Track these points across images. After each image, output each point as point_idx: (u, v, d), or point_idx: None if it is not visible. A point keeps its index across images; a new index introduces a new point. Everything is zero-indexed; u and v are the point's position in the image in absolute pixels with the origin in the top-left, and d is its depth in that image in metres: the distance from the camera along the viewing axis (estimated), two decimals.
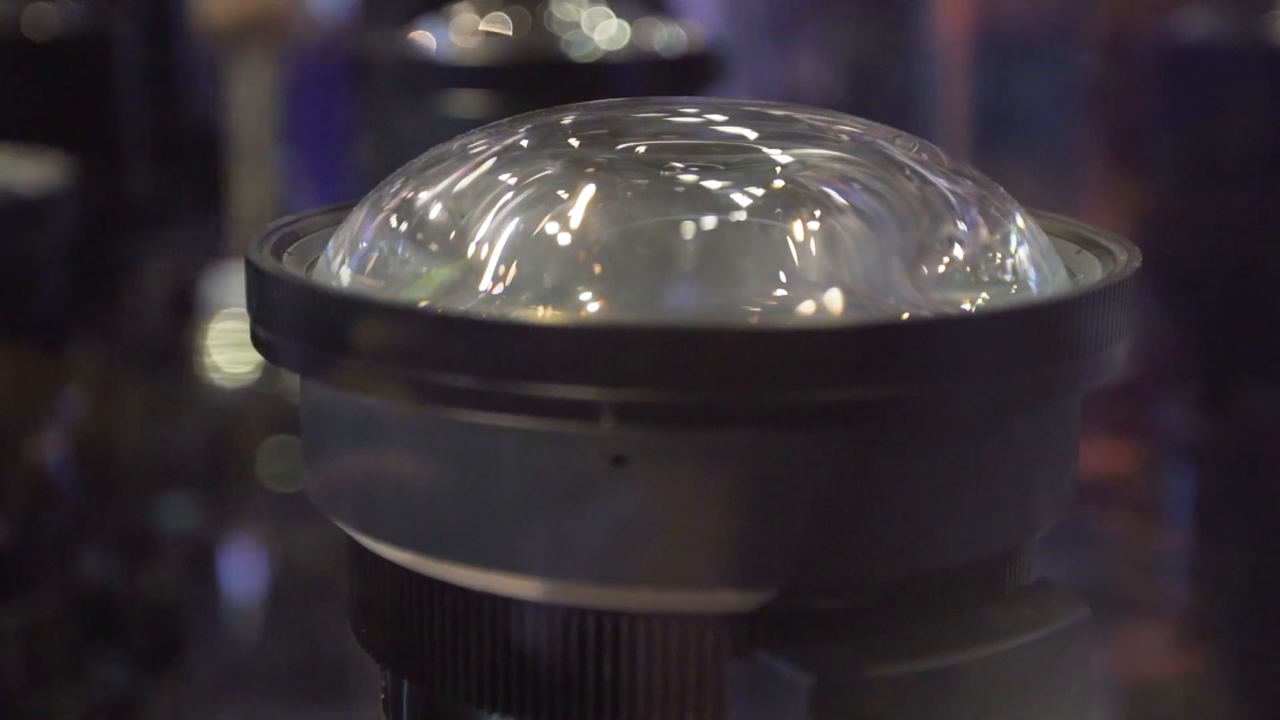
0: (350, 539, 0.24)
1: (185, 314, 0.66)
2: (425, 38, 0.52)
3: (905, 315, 0.21)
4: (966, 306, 0.22)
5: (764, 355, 0.19)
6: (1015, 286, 0.23)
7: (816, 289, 0.22)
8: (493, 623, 0.22)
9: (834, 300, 0.22)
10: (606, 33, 0.52)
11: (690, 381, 0.19)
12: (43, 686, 0.48)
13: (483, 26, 0.53)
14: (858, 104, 0.78)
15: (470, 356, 0.20)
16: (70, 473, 0.51)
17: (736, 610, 0.21)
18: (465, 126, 0.51)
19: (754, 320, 0.21)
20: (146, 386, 0.62)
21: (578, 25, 0.53)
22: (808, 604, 0.21)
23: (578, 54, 0.51)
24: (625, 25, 0.52)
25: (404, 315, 0.20)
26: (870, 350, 0.20)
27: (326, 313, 0.21)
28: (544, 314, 0.21)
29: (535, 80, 0.50)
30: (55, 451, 0.50)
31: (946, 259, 0.23)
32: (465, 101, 0.51)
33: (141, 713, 0.57)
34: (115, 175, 0.60)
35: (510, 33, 0.53)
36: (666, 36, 0.52)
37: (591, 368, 0.19)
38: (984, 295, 0.23)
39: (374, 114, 0.55)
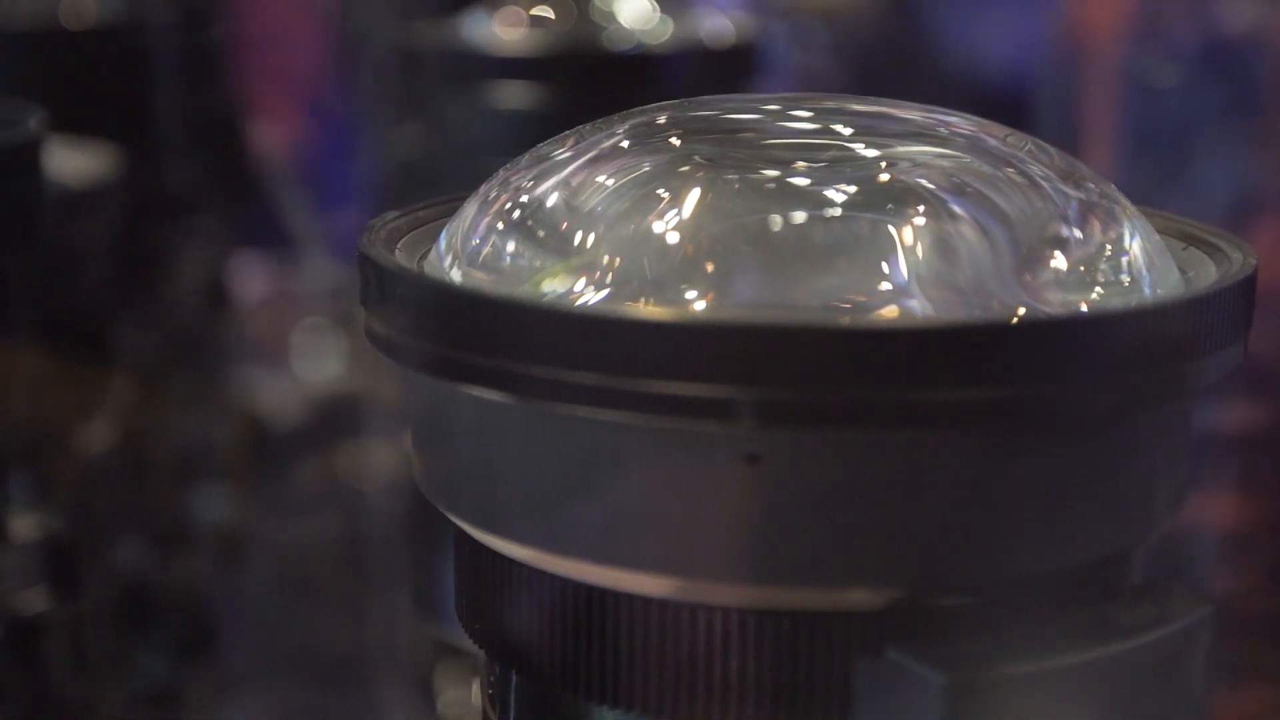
0: (460, 534, 0.24)
1: (220, 303, 0.66)
2: (472, 29, 0.52)
3: (1020, 315, 0.22)
4: (1082, 307, 0.22)
5: (899, 355, 0.20)
6: (1129, 286, 0.23)
7: (929, 289, 0.22)
8: (617, 619, 0.22)
9: (947, 301, 0.22)
10: (652, 24, 0.52)
11: (826, 381, 0.19)
12: (87, 677, 0.48)
13: (529, 18, 0.53)
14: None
15: (607, 355, 0.20)
16: (114, 463, 0.51)
17: (867, 608, 0.21)
18: (511, 118, 0.51)
19: (890, 320, 0.21)
20: (182, 376, 0.62)
21: (623, 17, 0.53)
22: (938, 602, 0.21)
23: (624, 45, 0.51)
24: (670, 17, 0.52)
25: (542, 315, 0.20)
26: (1004, 350, 0.20)
27: (463, 312, 0.21)
28: (682, 313, 0.21)
29: (582, 72, 0.50)
30: (102, 442, 0.50)
31: (1058, 259, 0.23)
32: (511, 93, 0.51)
33: (182, 702, 0.57)
34: (151, 165, 0.60)
35: (557, 24, 0.53)
36: (712, 28, 0.52)
37: (729, 367, 0.19)
38: (1096, 295, 0.23)
39: (419, 105, 0.55)
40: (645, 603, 0.21)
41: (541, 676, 0.22)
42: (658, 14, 0.53)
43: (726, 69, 0.51)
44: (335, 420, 0.79)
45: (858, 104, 0.26)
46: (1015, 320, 0.21)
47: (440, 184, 0.55)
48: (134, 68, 0.61)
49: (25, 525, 0.40)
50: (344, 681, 0.71)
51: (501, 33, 0.52)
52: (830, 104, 0.26)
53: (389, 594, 0.73)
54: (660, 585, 0.21)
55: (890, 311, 0.22)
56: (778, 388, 0.19)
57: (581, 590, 0.22)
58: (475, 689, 0.50)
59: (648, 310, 0.21)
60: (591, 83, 0.50)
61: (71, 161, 0.49)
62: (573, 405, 0.20)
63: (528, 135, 0.50)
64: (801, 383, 0.19)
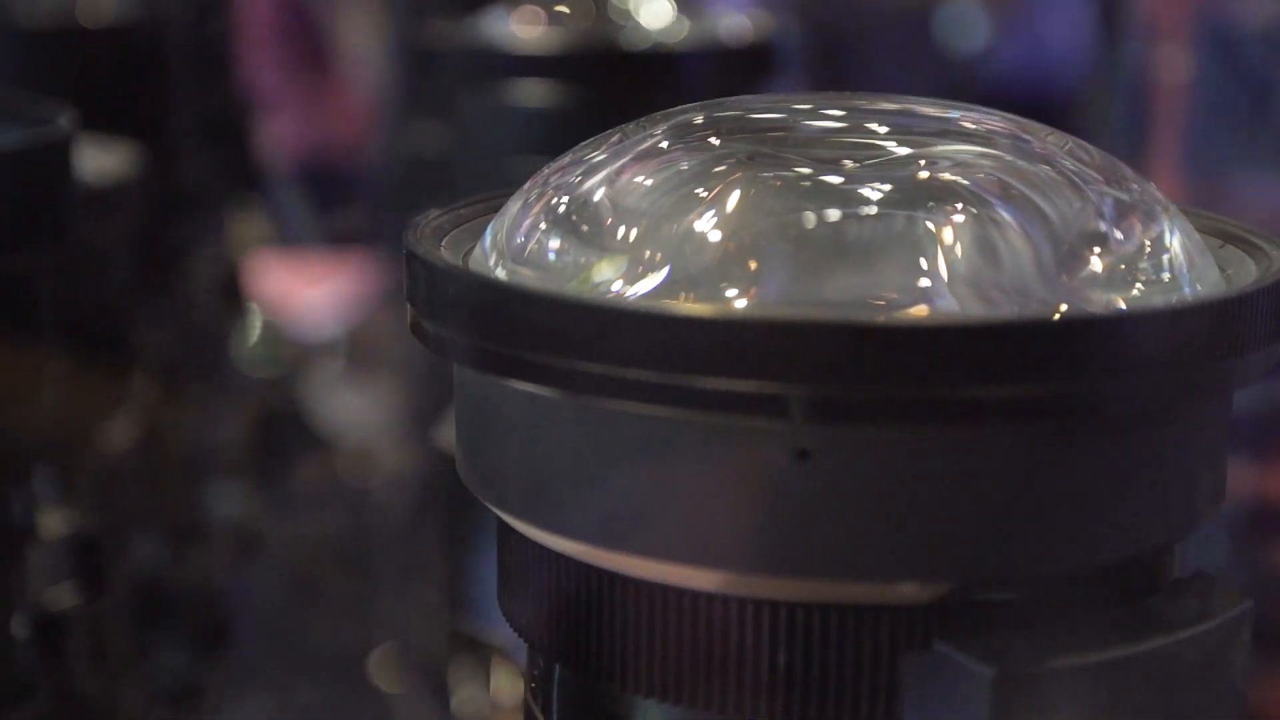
0: (505, 529, 0.24)
1: (235, 301, 0.66)
2: (490, 27, 0.53)
3: (1065, 313, 0.22)
4: (1124, 305, 0.23)
5: (949, 352, 0.20)
6: (1170, 284, 0.23)
7: (969, 287, 0.22)
8: (666, 613, 0.22)
9: (987, 299, 0.22)
10: (672, 23, 0.53)
11: (876, 377, 0.20)
12: (109, 672, 0.48)
13: (547, 16, 0.53)
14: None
15: (662, 351, 0.20)
16: (135, 461, 0.51)
17: (914, 602, 0.21)
18: (531, 116, 0.51)
19: (940, 318, 0.21)
20: (197, 373, 0.62)
21: (641, 15, 0.53)
22: (984, 596, 0.21)
23: (642, 44, 0.52)
24: (689, 15, 0.53)
25: (598, 312, 0.20)
26: (1051, 347, 0.20)
27: (519, 309, 0.21)
28: (736, 310, 0.21)
29: (601, 71, 0.50)
30: (124, 439, 0.50)
31: (1098, 257, 0.23)
32: (529, 91, 0.51)
33: (200, 697, 0.57)
34: (166, 162, 0.60)
35: (575, 23, 0.53)
36: (730, 27, 0.52)
37: (782, 363, 0.20)
38: (1137, 292, 0.23)
39: (439, 103, 0.55)
40: (694, 597, 0.22)
41: (587, 670, 0.23)
42: (675, 13, 0.53)
43: (745, 67, 0.51)
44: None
45: (893, 103, 0.26)
46: (1062, 318, 0.21)
47: (458, 182, 0.55)
48: (149, 65, 0.61)
49: (53, 522, 0.40)
50: (357, 677, 0.71)
51: (520, 31, 0.52)
52: (865, 103, 0.26)
53: (405, 589, 0.73)
54: (709, 579, 0.21)
55: (931, 310, 0.22)
56: (829, 384, 0.20)
57: (629, 584, 0.22)
58: (494, 683, 0.50)
59: (702, 307, 0.21)
60: (610, 81, 0.51)
61: (92, 159, 0.49)
62: (625, 401, 0.20)
63: (545, 134, 0.51)
64: (852, 379, 0.20)
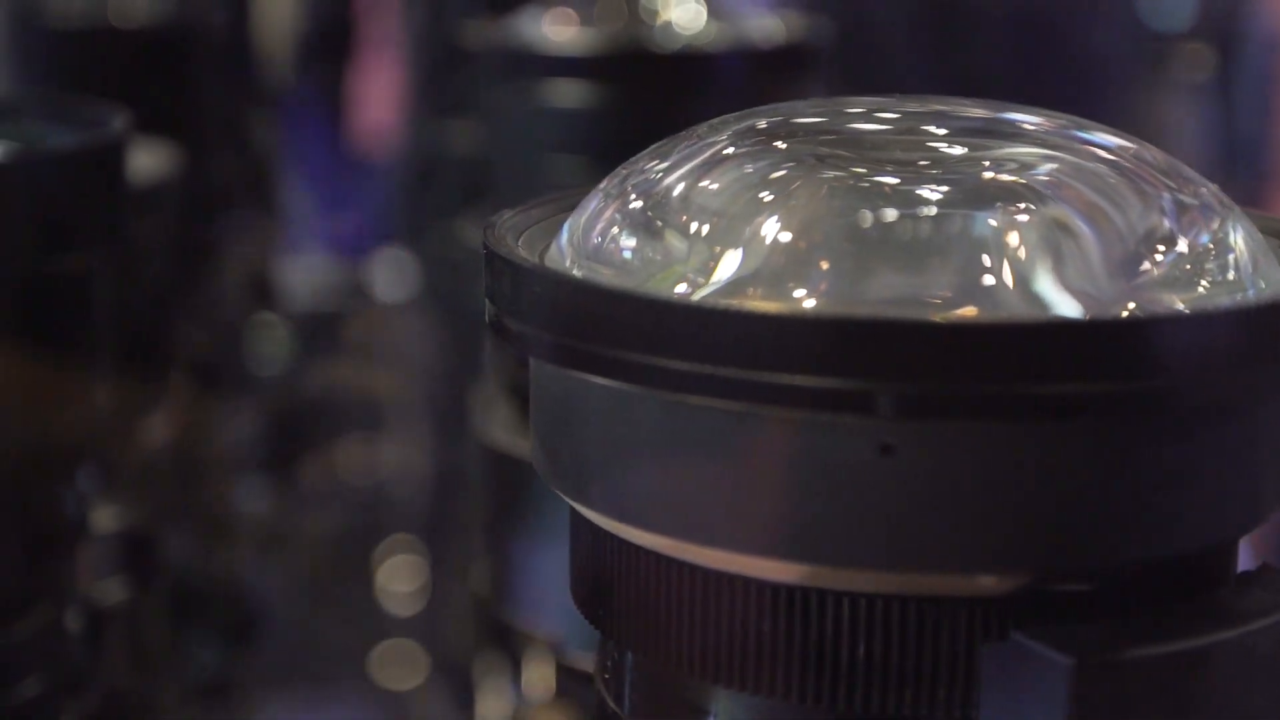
0: (583, 523, 0.24)
1: (262, 300, 0.66)
2: (525, 28, 0.53)
3: (1142, 312, 0.22)
4: (1189, 304, 0.23)
5: (1028, 349, 0.20)
6: (1234, 283, 0.24)
7: (1037, 287, 0.23)
8: (746, 605, 0.22)
9: (1055, 299, 0.22)
10: (703, 24, 0.53)
11: (961, 374, 0.20)
12: (150, 667, 0.49)
13: (581, 17, 0.53)
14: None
15: (749, 350, 0.20)
16: (172, 457, 0.52)
17: (993, 593, 0.21)
18: (565, 116, 0.52)
19: (1019, 317, 0.22)
20: (225, 371, 0.63)
21: (674, 16, 0.53)
22: (1061, 587, 0.21)
23: (675, 45, 0.52)
24: (723, 16, 0.53)
25: (687, 312, 0.21)
26: (1129, 345, 0.21)
27: (612, 310, 0.21)
28: (823, 310, 0.22)
29: (635, 71, 0.51)
30: (161, 437, 0.51)
31: (1163, 256, 0.23)
32: (563, 91, 0.51)
33: (233, 693, 0.58)
34: (196, 162, 0.61)
35: (609, 23, 0.53)
36: (763, 27, 0.53)
37: (868, 361, 0.20)
38: (1202, 291, 0.23)
39: (473, 102, 0.55)
40: (775, 589, 0.22)
41: (667, 661, 0.23)
42: (708, 14, 0.53)
43: (778, 68, 0.51)
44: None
45: (958, 106, 0.26)
46: (1140, 318, 0.22)
47: (492, 180, 0.56)
48: (180, 65, 0.62)
49: (103, 517, 0.41)
50: (379, 673, 0.72)
51: (554, 32, 0.53)
52: (931, 106, 0.26)
53: (430, 583, 0.74)
54: (791, 572, 0.22)
55: (1000, 310, 0.22)
56: (916, 382, 0.20)
57: (710, 576, 0.22)
58: (526, 677, 0.51)
59: (790, 307, 0.22)
60: (641, 82, 0.51)
61: (132, 160, 0.49)
62: (712, 397, 0.21)
63: (578, 133, 0.51)
64: (938, 376, 0.20)
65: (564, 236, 0.25)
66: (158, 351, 0.50)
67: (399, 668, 0.74)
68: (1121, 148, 0.25)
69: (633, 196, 0.25)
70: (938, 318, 0.21)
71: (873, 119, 0.26)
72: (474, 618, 0.65)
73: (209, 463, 0.61)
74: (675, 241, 0.24)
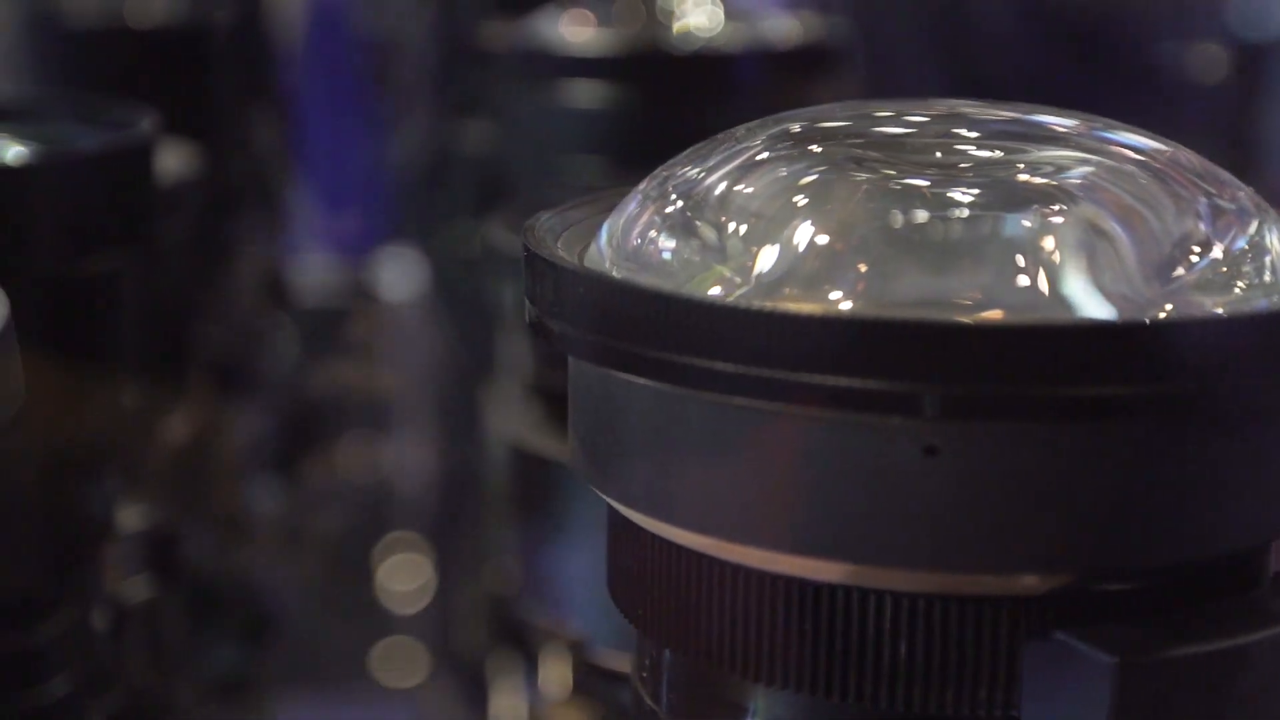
0: (622, 522, 0.25)
1: (276, 299, 0.67)
2: (544, 28, 0.53)
3: (1185, 315, 0.22)
4: (1226, 307, 0.23)
5: (1071, 351, 0.20)
6: (1270, 285, 0.24)
7: (1073, 289, 0.23)
8: (789, 604, 0.22)
9: (1092, 301, 0.23)
10: (720, 24, 0.53)
11: (1006, 376, 0.20)
12: (170, 665, 0.49)
13: (598, 17, 0.54)
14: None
15: (794, 352, 0.21)
16: (193, 456, 0.52)
17: (1035, 592, 0.22)
18: (583, 116, 0.52)
19: (1062, 320, 0.22)
20: (241, 370, 0.63)
21: (691, 17, 0.54)
22: (1103, 587, 0.22)
23: (692, 46, 0.52)
24: (740, 16, 0.53)
25: (731, 314, 0.21)
26: (1170, 348, 0.21)
27: (650, 311, 0.21)
28: (869, 313, 0.22)
29: (652, 72, 0.51)
30: (183, 436, 0.51)
31: (1197, 259, 0.24)
32: (579, 91, 0.52)
33: (252, 692, 0.58)
34: (212, 162, 0.61)
35: (626, 24, 0.53)
36: (780, 28, 0.53)
37: (914, 363, 0.20)
38: (1238, 293, 0.24)
39: (485, 101, 0.55)
40: (817, 588, 0.22)
41: (710, 660, 0.23)
42: (724, 14, 0.53)
43: (796, 68, 0.52)
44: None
45: (989, 108, 0.27)
46: (1182, 321, 0.22)
47: (509, 180, 0.56)
48: (196, 65, 0.62)
49: (128, 516, 0.41)
50: (389, 672, 0.72)
51: (572, 33, 0.53)
52: (966, 108, 0.26)
53: (442, 582, 0.74)
54: (835, 571, 0.22)
55: (1037, 312, 0.22)
56: (962, 383, 0.20)
57: (754, 576, 0.23)
58: (543, 675, 0.51)
59: (835, 309, 0.22)
60: (659, 83, 0.51)
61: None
62: (757, 399, 0.21)
63: (596, 134, 0.51)
64: (981, 378, 0.20)
65: (603, 238, 0.25)
66: (178, 351, 0.50)
67: (405, 665, 0.74)
68: (1156, 151, 0.25)
69: (671, 199, 0.25)
70: (983, 320, 0.21)
71: (907, 122, 0.26)
72: (489, 616, 0.65)
73: (222, 462, 0.62)
74: (713, 243, 0.24)
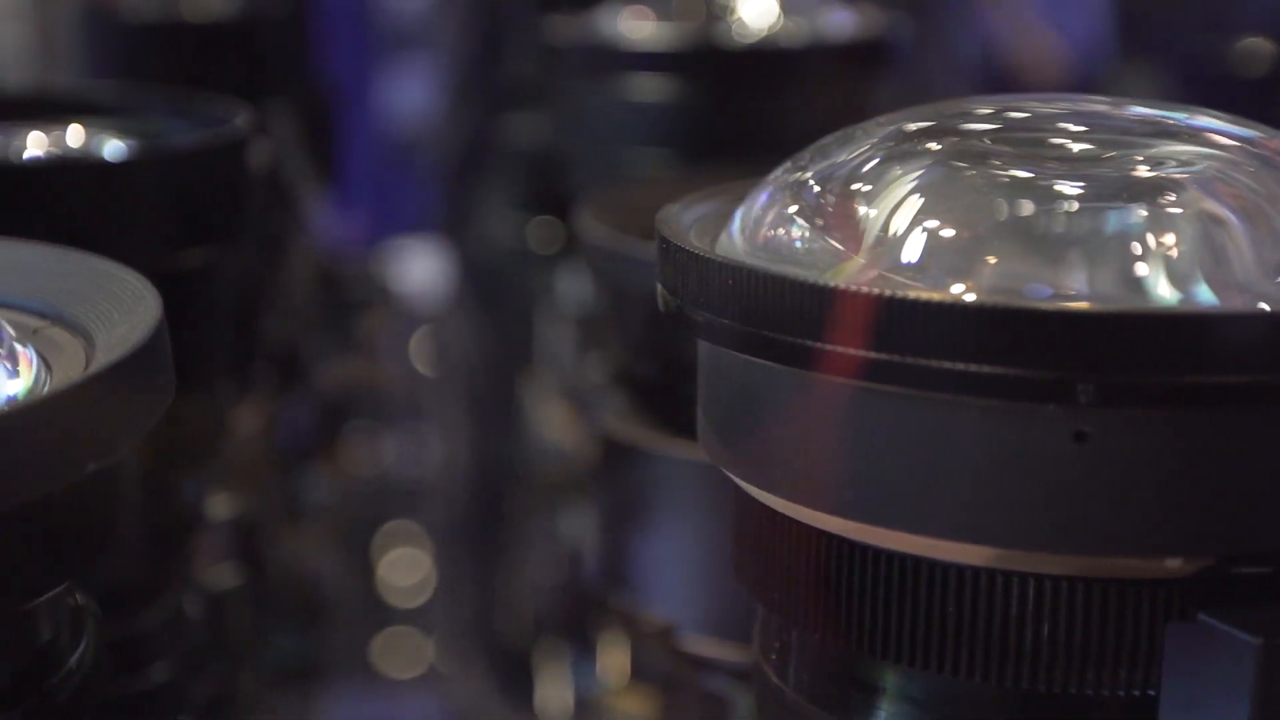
0: (756, 507, 0.25)
1: (329, 290, 0.67)
2: (605, 23, 0.54)
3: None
4: None
5: (1221, 340, 0.21)
6: None
7: (1197, 281, 0.23)
8: (930, 586, 0.23)
9: (1216, 292, 0.23)
10: (782, 19, 0.54)
11: (1156, 364, 0.21)
12: (246, 652, 0.49)
13: (659, 12, 0.54)
14: None
15: (949, 341, 0.21)
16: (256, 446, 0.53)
17: (1180, 575, 0.22)
18: (645, 110, 0.53)
19: (1210, 308, 0.22)
20: (294, 361, 0.63)
21: (752, 12, 0.54)
22: (1245, 570, 0.22)
23: (755, 39, 0.53)
24: (797, 11, 0.54)
25: (891, 304, 0.22)
26: None
27: (801, 302, 0.22)
28: (1023, 303, 0.22)
29: (717, 65, 0.52)
30: (251, 425, 0.51)
31: None
32: (641, 85, 0.52)
33: (312, 678, 0.58)
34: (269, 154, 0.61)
35: (688, 19, 0.54)
36: (840, 22, 0.54)
37: (1068, 352, 0.21)
38: None
39: (546, 96, 0.56)
40: (960, 570, 0.23)
41: (851, 642, 0.24)
42: (785, 9, 0.54)
43: (855, 62, 0.52)
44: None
45: (1119, 105, 0.27)
46: None
47: (561, 174, 0.57)
48: (250, 58, 0.62)
49: (216, 505, 0.42)
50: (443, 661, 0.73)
51: (633, 28, 0.54)
52: (1090, 105, 0.27)
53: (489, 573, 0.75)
54: (982, 555, 0.23)
55: (1155, 302, 0.23)
56: (1114, 371, 0.21)
57: (898, 560, 0.23)
58: (601, 664, 0.52)
59: (989, 300, 0.22)
60: (721, 77, 0.52)
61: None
62: (909, 388, 0.22)
63: (657, 127, 0.52)
64: (1134, 366, 0.21)
65: (735, 228, 0.26)
66: (248, 342, 0.51)
67: (444, 654, 0.75)
68: (1265, 142, 0.26)
69: (802, 192, 0.26)
70: (1136, 309, 0.22)
71: (1032, 117, 0.27)
72: (541, 604, 0.66)
73: (275, 451, 0.62)
74: (846, 235, 0.25)
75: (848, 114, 0.51)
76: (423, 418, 0.85)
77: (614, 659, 0.50)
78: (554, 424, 0.64)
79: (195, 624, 0.39)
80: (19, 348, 0.24)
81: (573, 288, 0.61)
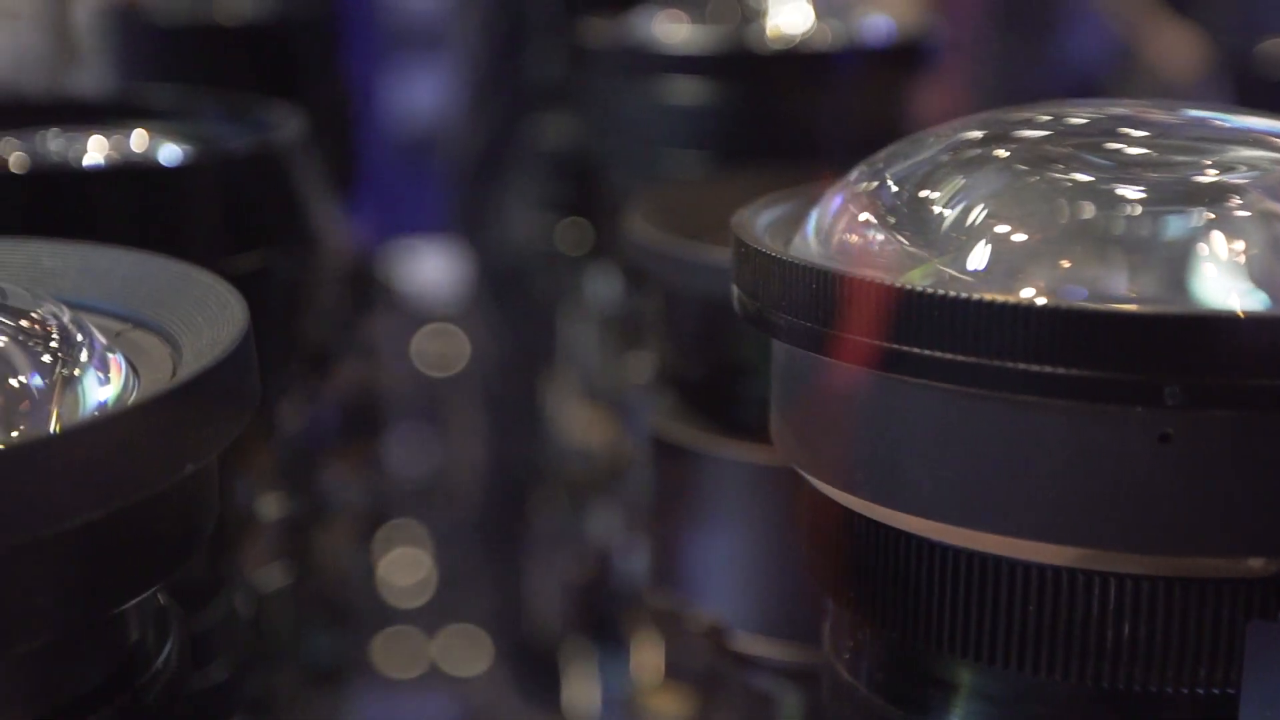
0: (829, 507, 0.26)
1: (357, 289, 0.67)
2: (640, 27, 0.54)
3: None
4: None
5: None
6: None
7: (1262, 284, 0.24)
8: (1012, 586, 0.23)
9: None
10: (817, 22, 0.54)
11: (1242, 367, 0.21)
12: (267, 657, 0.49)
13: (694, 16, 0.54)
14: None
15: (1035, 344, 0.22)
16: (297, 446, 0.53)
17: (1261, 575, 0.23)
18: (680, 112, 0.53)
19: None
20: (328, 359, 0.64)
21: (786, 15, 0.54)
22: None
23: (790, 43, 0.53)
24: (832, 15, 0.54)
25: (973, 307, 0.22)
26: None
27: (889, 306, 0.22)
28: (1107, 307, 0.23)
29: (752, 68, 0.52)
30: (292, 425, 0.51)
31: None
32: (674, 88, 0.53)
33: (348, 678, 0.59)
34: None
35: (722, 22, 0.54)
36: (876, 26, 0.54)
37: (1155, 355, 0.21)
38: None
39: (589, 98, 0.56)
40: (1042, 570, 0.23)
41: (931, 641, 0.24)
42: (819, 13, 0.54)
43: (889, 67, 0.53)
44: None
45: (1181, 110, 0.27)
46: None
47: (593, 175, 0.57)
48: (281, 61, 0.63)
49: (267, 504, 0.42)
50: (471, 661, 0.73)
51: (667, 31, 0.54)
52: (1154, 114, 0.27)
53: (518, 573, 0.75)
54: (1065, 555, 0.23)
55: (1222, 306, 0.23)
56: (1200, 374, 0.21)
57: (980, 560, 0.24)
58: (635, 662, 0.52)
59: (1077, 304, 0.23)
60: (756, 79, 0.52)
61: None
62: (996, 391, 0.22)
63: (694, 129, 0.52)
64: (1220, 369, 0.21)
65: (809, 231, 0.26)
66: (288, 343, 0.51)
67: (469, 654, 0.75)
68: None
69: (875, 196, 0.26)
70: (1221, 313, 0.22)
71: (1098, 123, 0.27)
72: (574, 603, 0.66)
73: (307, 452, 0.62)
74: (921, 238, 0.25)
75: (881, 117, 0.52)
76: (444, 418, 0.86)
77: (649, 658, 0.50)
78: (579, 424, 0.64)
79: (247, 623, 0.39)
80: (110, 355, 0.24)
81: (601, 289, 0.61)
